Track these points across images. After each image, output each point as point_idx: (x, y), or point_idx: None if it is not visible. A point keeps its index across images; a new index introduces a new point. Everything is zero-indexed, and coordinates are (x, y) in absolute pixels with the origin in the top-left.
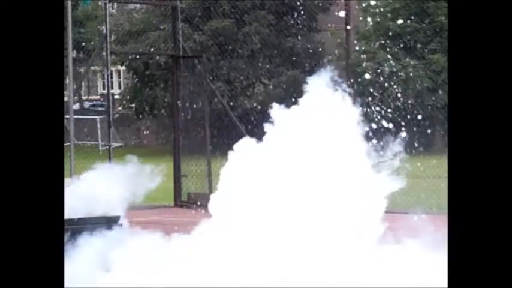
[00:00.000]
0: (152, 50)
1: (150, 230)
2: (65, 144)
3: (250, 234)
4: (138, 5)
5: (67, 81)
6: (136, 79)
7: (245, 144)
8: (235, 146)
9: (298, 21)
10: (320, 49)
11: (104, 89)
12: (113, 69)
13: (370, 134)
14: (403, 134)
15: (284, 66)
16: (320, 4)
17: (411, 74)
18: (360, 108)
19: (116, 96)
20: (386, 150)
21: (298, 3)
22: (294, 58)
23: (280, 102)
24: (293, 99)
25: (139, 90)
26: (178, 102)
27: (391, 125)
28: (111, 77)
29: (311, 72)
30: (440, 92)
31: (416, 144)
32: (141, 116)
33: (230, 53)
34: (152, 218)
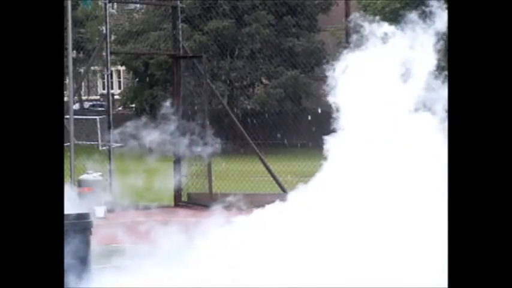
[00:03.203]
0: (152, 50)
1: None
2: (65, 144)
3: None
4: (138, 5)
5: (67, 81)
6: (137, 79)
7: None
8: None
9: (298, 21)
10: (320, 49)
11: (104, 89)
12: (113, 69)
13: None
14: None
15: (284, 66)
16: (320, 4)
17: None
18: None
19: (116, 96)
20: None
21: (298, 3)
22: (294, 58)
23: (280, 102)
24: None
25: (139, 90)
26: (180, 100)
27: None
28: (111, 77)
29: (311, 72)
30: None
31: None
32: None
33: (230, 53)
34: (155, 218)
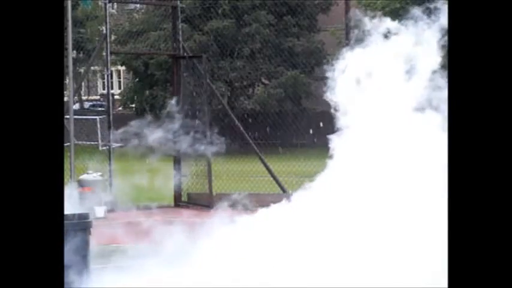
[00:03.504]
0: (152, 50)
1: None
2: (65, 144)
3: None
4: (138, 5)
5: (67, 81)
6: (137, 79)
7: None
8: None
9: (298, 21)
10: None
11: (104, 89)
12: (113, 69)
13: None
14: None
15: (284, 66)
16: (320, 4)
17: None
18: None
19: (116, 96)
20: None
21: (298, 3)
22: (294, 58)
23: (280, 102)
24: None
25: (139, 90)
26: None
27: None
28: (111, 77)
29: (311, 72)
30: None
31: None
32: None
33: (230, 53)
34: (155, 218)
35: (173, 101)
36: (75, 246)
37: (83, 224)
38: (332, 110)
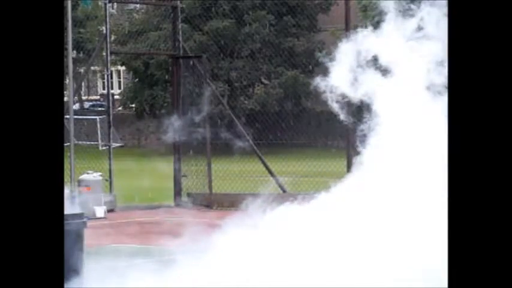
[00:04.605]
0: (152, 50)
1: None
2: (65, 144)
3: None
4: (138, 5)
5: (67, 81)
6: (137, 79)
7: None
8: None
9: (298, 21)
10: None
11: (104, 89)
12: (113, 69)
13: None
14: None
15: (284, 66)
16: (320, 4)
17: None
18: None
19: (116, 96)
20: None
21: (298, 3)
22: (294, 58)
23: (280, 102)
24: None
25: (140, 90)
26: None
27: None
28: (111, 77)
29: (311, 72)
30: None
31: None
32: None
33: (230, 53)
34: (155, 218)
35: (171, 102)
36: (70, 246)
37: (78, 224)
38: (330, 110)
